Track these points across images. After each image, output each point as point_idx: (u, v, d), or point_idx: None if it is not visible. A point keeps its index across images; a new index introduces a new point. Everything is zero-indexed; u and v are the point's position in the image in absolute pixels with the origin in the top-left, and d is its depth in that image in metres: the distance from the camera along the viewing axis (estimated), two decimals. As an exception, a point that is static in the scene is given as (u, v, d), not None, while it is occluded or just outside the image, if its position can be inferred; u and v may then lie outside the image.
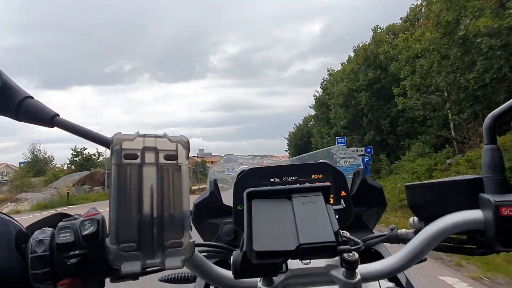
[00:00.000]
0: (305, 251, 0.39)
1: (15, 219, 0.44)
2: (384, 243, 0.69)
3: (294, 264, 0.52)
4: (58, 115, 0.50)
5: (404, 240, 0.59)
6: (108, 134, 0.49)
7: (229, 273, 0.52)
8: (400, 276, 0.72)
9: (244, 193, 0.45)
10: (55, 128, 0.50)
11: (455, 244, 0.55)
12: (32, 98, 0.50)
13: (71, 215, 0.46)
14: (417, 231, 0.55)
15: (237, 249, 0.46)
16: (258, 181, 0.77)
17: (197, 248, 0.49)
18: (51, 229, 0.43)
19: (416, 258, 0.52)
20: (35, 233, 0.42)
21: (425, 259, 0.69)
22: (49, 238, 0.41)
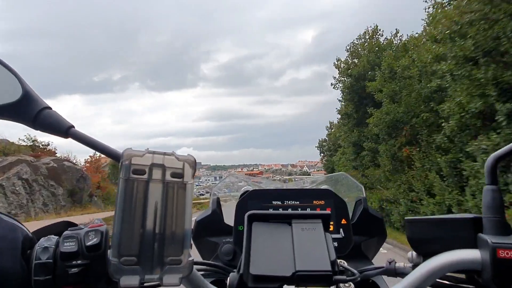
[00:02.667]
0: (301, 278, 0.40)
1: (23, 224, 0.46)
2: (383, 276, 0.68)
3: None
4: (73, 126, 0.52)
5: (401, 274, 0.58)
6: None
7: None
8: None
9: (245, 215, 0.46)
10: (70, 139, 0.53)
11: (452, 283, 0.55)
12: (50, 108, 0.52)
13: (76, 224, 0.47)
14: (415, 266, 0.55)
15: (234, 270, 0.47)
16: (260, 203, 0.77)
17: (195, 267, 0.50)
18: (56, 237, 0.44)
19: None
20: (41, 240, 0.43)
21: None
22: (53, 246, 0.42)
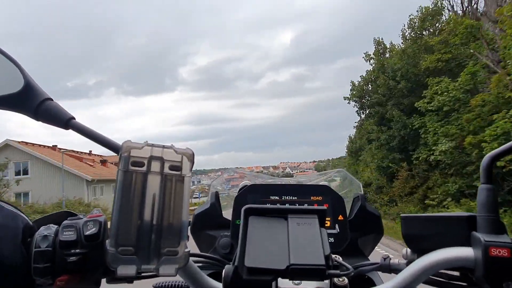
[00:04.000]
0: (295, 272, 0.40)
1: (24, 212, 0.46)
2: (378, 271, 0.69)
3: (285, 283, 0.53)
4: (74, 118, 0.53)
5: (396, 270, 0.59)
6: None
7: (220, 286, 0.53)
8: None
9: (242, 209, 0.47)
10: (70, 131, 0.53)
11: (445, 280, 0.56)
12: (52, 100, 0.53)
13: (76, 214, 0.48)
14: (409, 263, 0.55)
15: (230, 262, 0.47)
16: (258, 198, 0.78)
17: (191, 258, 0.51)
18: (56, 226, 0.45)
19: None
20: (41, 228, 0.44)
21: None
22: (53, 235, 0.43)
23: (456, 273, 0.56)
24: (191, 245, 0.48)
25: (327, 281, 0.52)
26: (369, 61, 19.19)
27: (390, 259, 0.60)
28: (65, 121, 0.52)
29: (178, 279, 0.76)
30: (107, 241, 0.42)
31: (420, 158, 13.03)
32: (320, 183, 0.92)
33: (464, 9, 15.29)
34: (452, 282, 0.55)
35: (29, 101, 0.51)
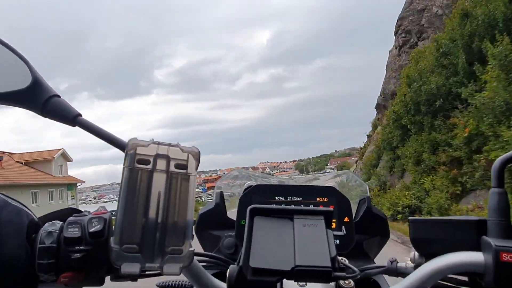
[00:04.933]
0: (300, 273, 0.40)
1: (29, 208, 0.46)
2: (384, 275, 0.68)
3: (290, 284, 0.52)
4: (80, 115, 0.53)
5: (403, 274, 0.58)
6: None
7: (224, 286, 0.53)
8: None
9: (248, 209, 0.46)
10: (77, 127, 0.53)
11: (453, 285, 0.55)
12: (59, 96, 0.53)
13: (81, 211, 0.48)
14: (416, 266, 0.55)
15: (234, 262, 0.47)
16: (263, 198, 0.78)
17: (196, 257, 0.50)
18: (60, 222, 0.45)
19: None
20: (45, 224, 0.44)
21: None
22: (57, 231, 0.43)
23: (465, 278, 0.55)
24: (196, 245, 0.47)
25: (332, 284, 0.51)
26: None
27: (397, 262, 0.59)
28: (71, 118, 0.52)
29: (182, 278, 0.76)
30: (111, 238, 0.42)
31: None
32: (326, 184, 0.92)
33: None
34: (461, 287, 0.54)
35: (37, 97, 0.51)
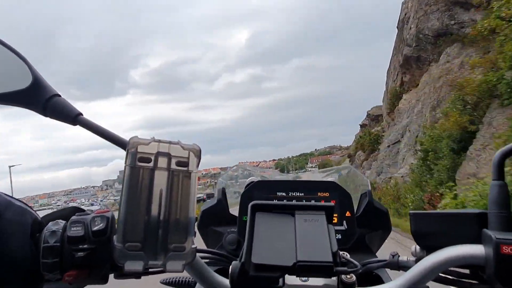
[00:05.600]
0: (302, 269, 0.40)
1: (33, 208, 0.47)
2: (386, 269, 0.69)
3: (292, 280, 0.52)
4: (81, 114, 0.53)
5: (404, 267, 0.58)
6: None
7: (227, 282, 0.53)
8: None
9: (249, 205, 0.46)
10: (78, 126, 0.53)
11: (455, 278, 0.55)
12: (60, 96, 0.53)
13: (84, 210, 0.48)
14: (418, 260, 0.55)
15: (237, 258, 0.47)
16: (265, 194, 0.78)
17: (198, 254, 0.51)
18: (64, 221, 0.45)
19: (414, 286, 0.52)
20: (49, 224, 0.45)
21: None
22: (61, 230, 0.44)
23: (466, 271, 0.55)
24: (198, 242, 0.48)
25: (334, 278, 0.51)
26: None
27: (399, 256, 0.60)
28: (73, 117, 0.52)
29: (185, 275, 0.76)
30: (114, 236, 0.43)
31: None
32: (328, 179, 0.92)
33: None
34: (462, 280, 0.54)
35: (38, 97, 0.52)
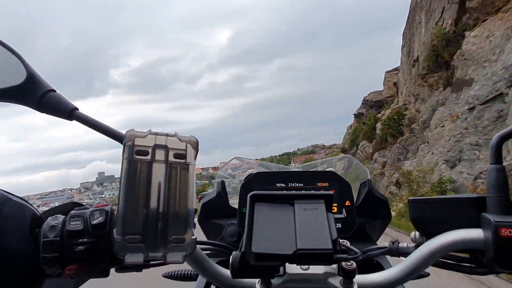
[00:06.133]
0: (302, 257, 0.40)
1: (31, 204, 0.47)
2: (387, 256, 0.69)
3: (292, 268, 0.53)
4: (77, 109, 0.53)
5: (404, 254, 0.59)
6: None
7: (228, 272, 0.53)
8: None
9: (248, 196, 0.46)
10: (74, 121, 0.53)
11: (454, 262, 0.55)
12: (55, 91, 0.53)
13: (83, 205, 0.48)
14: (418, 246, 0.55)
15: (237, 249, 0.47)
16: (264, 185, 0.78)
17: (198, 246, 0.51)
18: (63, 216, 0.45)
19: (415, 272, 0.52)
20: (48, 219, 0.45)
21: (427, 275, 0.69)
22: (60, 225, 0.44)
23: (466, 255, 0.55)
24: (199, 235, 0.48)
25: (335, 266, 0.52)
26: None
27: (399, 242, 0.60)
28: (68, 112, 0.52)
29: (186, 267, 0.77)
30: (114, 230, 0.43)
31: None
32: (327, 169, 0.92)
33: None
34: (462, 264, 0.55)
35: (32, 92, 0.51)
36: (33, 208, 0.46)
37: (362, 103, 35.62)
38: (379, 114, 24.55)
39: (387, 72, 29.16)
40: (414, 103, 15.75)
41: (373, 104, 31.72)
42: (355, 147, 27.81)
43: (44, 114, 0.53)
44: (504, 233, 0.45)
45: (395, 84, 26.52)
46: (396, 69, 27.28)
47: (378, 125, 21.08)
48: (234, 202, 0.87)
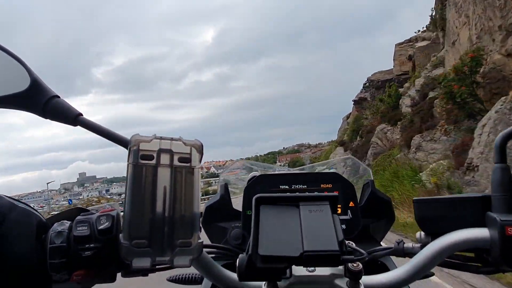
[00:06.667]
0: (309, 258, 0.40)
1: (37, 210, 0.47)
2: (391, 256, 0.69)
3: (299, 270, 0.53)
4: (81, 114, 0.53)
5: (410, 254, 0.59)
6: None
7: (234, 275, 0.53)
8: None
9: (253, 198, 0.47)
10: (78, 127, 0.53)
11: (460, 261, 0.55)
12: (59, 97, 0.53)
13: (88, 210, 0.48)
14: (423, 246, 0.55)
15: (243, 252, 0.47)
16: (267, 188, 0.78)
17: (205, 249, 0.51)
18: (69, 222, 0.45)
19: (421, 272, 0.52)
20: (54, 225, 0.45)
21: (432, 274, 0.69)
22: (67, 231, 0.44)
23: (471, 255, 0.55)
24: (203, 238, 0.48)
25: (341, 267, 0.52)
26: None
27: (404, 243, 0.60)
28: (73, 118, 0.52)
29: (191, 271, 0.77)
30: (120, 234, 0.43)
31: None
32: (330, 171, 0.92)
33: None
34: (467, 263, 0.55)
35: (37, 99, 0.51)
36: (38, 215, 0.46)
37: (363, 87, 29.51)
38: (401, 89, 18.30)
39: (398, 44, 23.60)
40: (502, 43, 8.53)
41: (380, 84, 25.28)
42: (358, 138, 22.35)
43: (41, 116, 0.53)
44: (510, 231, 0.45)
45: (410, 57, 21.00)
46: (410, 40, 22.65)
47: (405, 101, 15.85)
48: (237, 204, 0.87)
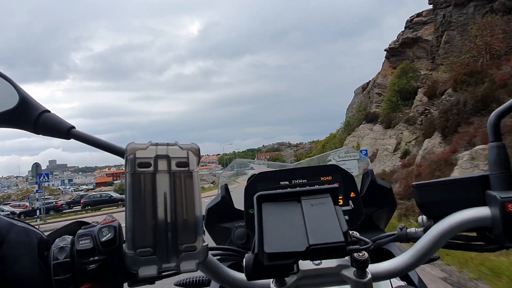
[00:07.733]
0: (315, 252, 0.40)
1: (36, 227, 0.46)
2: (395, 242, 0.69)
3: (305, 264, 0.53)
4: (74, 127, 0.52)
5: (413, 238, 0.59)
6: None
7: (242, 276, 0.53)
8: (412, 274, 0.73)
9: (254, 197, 0.46)
10: (72, 140, 0.53)
11: (464, 242, 0.56)
12: (49, 112, 0.52)
13: (89, 223, 0.48)
14: (426, 230, 0.55)
15: (249, 251, 0.47)
16: (268, 185, 0.78)
17: (210, 252, 0.51)
18: (71, 236, 0.45)
19: (426, 256, 0.52)
20: (56, 240, 0.44)
21: (437, 258, 0.69)
22: (69, 245, 0.43)
23: (474, 234, 0.55)
24: (207, 240, 0.48)
25: (347, 258, 0.52)
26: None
27: (407, 228, 0.60)
28: (65, 132, 0.52)
29: (199, 274, 0.77)
30: (124, 245, 0.42)
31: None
32: (328, 163, 0.92)
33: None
34: (471, 243, 0.55)
35: (27, 115, 0.51)
36: (38, 232, 0.46)
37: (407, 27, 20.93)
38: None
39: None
40: None
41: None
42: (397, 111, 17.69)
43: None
44: (511, 208, 0.46)
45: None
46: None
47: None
48: (239, 203, 0.87)
